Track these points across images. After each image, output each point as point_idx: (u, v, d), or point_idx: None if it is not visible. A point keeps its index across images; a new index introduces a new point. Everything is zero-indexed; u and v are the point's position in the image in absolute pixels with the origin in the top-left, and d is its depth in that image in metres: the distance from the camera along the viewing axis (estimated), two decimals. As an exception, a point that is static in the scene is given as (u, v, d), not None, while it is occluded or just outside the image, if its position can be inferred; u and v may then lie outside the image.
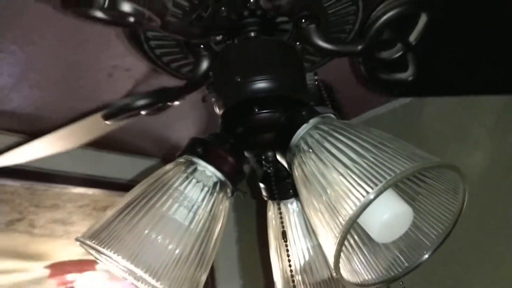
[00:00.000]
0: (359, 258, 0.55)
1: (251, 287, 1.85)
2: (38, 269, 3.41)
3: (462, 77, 0.72)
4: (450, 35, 0.67)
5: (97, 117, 0.77)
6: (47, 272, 3.41)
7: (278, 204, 0.68)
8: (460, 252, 1.23)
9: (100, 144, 1.71)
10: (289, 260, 0.66)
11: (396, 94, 0.82)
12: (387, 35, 0.67)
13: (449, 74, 0.73)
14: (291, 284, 0.65)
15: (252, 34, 0.73)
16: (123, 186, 1.75)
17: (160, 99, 0.74)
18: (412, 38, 0.67)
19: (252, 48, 0.72)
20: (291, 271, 0.66)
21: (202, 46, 0.73)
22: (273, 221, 0.72)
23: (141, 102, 0.74)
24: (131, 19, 0.51)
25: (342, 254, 0.49)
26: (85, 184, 1.80)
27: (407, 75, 0.70)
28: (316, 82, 0.70)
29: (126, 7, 0.50)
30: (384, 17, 0.64)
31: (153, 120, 0.93)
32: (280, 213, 0.67)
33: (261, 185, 0.71)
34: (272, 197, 0.71)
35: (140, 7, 0.51)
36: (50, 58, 1.00)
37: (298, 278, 0.70)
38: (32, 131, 1.38)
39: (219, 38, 0.74)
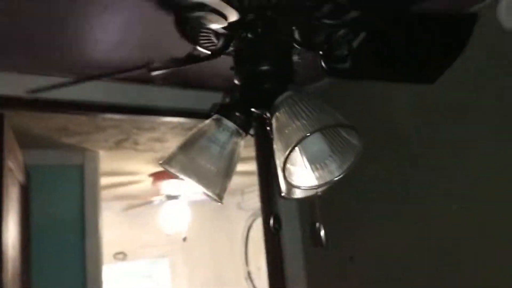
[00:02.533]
0: (297, 170, 1.00)
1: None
2: (143, 179, 4.16)
3: (379, 70, 1.13)
4: (376, 46, 1.07)
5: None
6: (150, 179, 4.15)
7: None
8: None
9: (182, 83, 2.22)
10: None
11: (339, 76, 1.23)
12: (341, 42, 1.08)
13: (371, 68, 1.14)
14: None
15: (260, 30, 1.14)
16: (199, 115, 2.26)
17: (194, 61, 1.20)
18: (355, 44, 1.07)
19: (263, 44, 1.13)
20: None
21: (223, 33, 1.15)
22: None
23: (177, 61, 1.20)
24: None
25: (287, 164, 0.94)
26: (173, 114, 2.33)
27: (347, 65, 1.11)
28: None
29: None
30: (340, 32, 1.05)
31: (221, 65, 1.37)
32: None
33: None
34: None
35: None
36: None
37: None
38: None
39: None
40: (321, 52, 1.12)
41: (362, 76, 1.32)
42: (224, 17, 0.98)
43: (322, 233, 1.31)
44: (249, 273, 5.94)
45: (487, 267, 1.60)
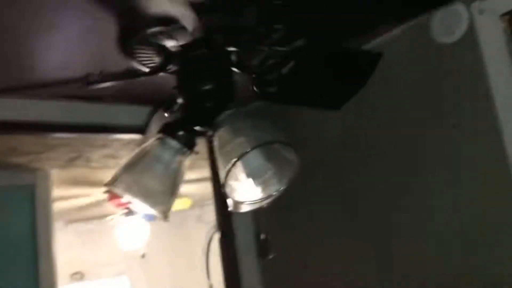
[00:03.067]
0: (239, 185, 1.04)
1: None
2: (98, 194, 4.10)
3: (296, 95, 1.24)
4: (302, 73, 1.16)
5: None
6: (105, 196, 4.09)
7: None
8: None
9: (132, 99, 2.23)
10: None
11: (266, 99, 1.31)
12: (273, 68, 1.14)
13: (292, 92, 1.24)
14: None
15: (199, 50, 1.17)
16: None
17: (132, 76, 1.23)
18: (284, 71, 1.13)
19: (204, 63, 1.16)
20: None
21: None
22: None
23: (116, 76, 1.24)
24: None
25: (229, 179, 0.97)
26: (125, 131, 2.33)
27: (274, 89, 1.18)
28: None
29: None
30: (271, 61, 1.11)
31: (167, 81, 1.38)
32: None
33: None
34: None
35: None
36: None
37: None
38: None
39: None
40: (253, 75, 1.17)
41: (284, 100, 1.41)
42: (184, 35, 1.01)
43: (268, 244, 1.35)
44: (211, 286, 5.91)
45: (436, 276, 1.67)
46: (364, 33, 1.12)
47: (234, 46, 1.13)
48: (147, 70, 1.20)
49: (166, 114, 1.19)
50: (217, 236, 5.76)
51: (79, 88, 1.96)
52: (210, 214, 5.42)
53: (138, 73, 1.22)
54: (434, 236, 1.68)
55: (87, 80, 1.27)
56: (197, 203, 5.59)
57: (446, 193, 1.64)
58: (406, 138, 1.75)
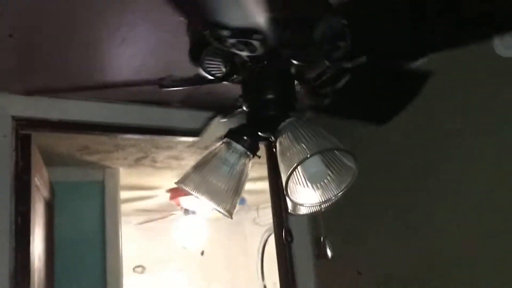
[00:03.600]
0: (299, 189, 1.11)
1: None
2: (161, 194, 4.29)
3: (350, 109, 1.30)
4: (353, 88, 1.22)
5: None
6: (168, 195, 4.28)
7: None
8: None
9: (197, 105, 2.36)
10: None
11: (318, 111, 1.37)
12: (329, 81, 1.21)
13: (345, 106, 1.29)
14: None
15: (265, 62, 1.26)
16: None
17: (200, 82, 1.33)
18: (339, 85, 1.20)
19: (267, 74, 1.25)
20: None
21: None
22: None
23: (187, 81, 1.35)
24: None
25: (290, 183, 1.05)
26: (189, 134, 2.46)
27: (326, 102, 1.24)
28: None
29: None
30: (328, 75, 1.18)
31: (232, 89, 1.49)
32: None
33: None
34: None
35: None
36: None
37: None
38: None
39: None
40: (309, 88, 1.25)
41: (335, 113, 1.47)
42: (251, 49, 1.10)
43: (327, 245, 1.42)
44: (264, 287, 6.00)
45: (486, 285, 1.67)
46: (421, 54, 1.17)
47: (298, 60, 1.21)
48: (213, 78, 1.30)
49: (224, 120, 1.29)
50: (271, 239, 5.86)
51: (149, 93, 2.14)
52: (264, 217, 5.57)
53: (205, 80, 1.32)
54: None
55: (160, 83, 1.39)
56: (253, 207, 5.72)
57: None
58: (466, 152, 1.76)
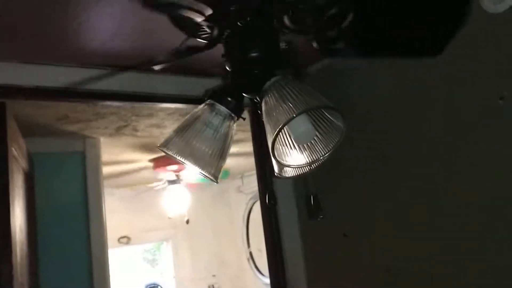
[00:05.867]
0: (286, 150, 1.08)
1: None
2: (143, 162, 4.24)
3: (376, 47, 1.23)
4: (362, 26, 1.15)
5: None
6: (150, 164, 4.23)
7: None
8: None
9: (179, 70, 2.29)
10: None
11: (335, 55, 1.30)
12: (330, 24, 1.15)
13: (368, 45, 1.22)
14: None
15: (248, 19, 1.20)
16: (196, 100, 2.33)
17: (194, 52, 1.27)
18: (344, 25, 1.14)
19: (251, 32, 1.19)
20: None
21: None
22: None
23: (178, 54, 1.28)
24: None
25: (276, 144, 1.01)
26: (171, 101, 2.40)
27: (340, 45, 1.18)
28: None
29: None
30: (327, 14, 1.12)
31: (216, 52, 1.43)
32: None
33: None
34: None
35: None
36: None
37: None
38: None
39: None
40: (312, 36, 1.19)
41: (359, 54, 1.39)
42: (200, 12, 1.04)
43: (319, 203, 1.39)
44: (250, 254, 6.06)
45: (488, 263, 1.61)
46: None
47: (276, 11, 1.15)
48: (204, 42, 1.24)
49: None
50: (256, 206, 5.90)
51: (127, 58, 2.07)
52: (250, 185, 5.57)
53: (199, 48, 1.26)
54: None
55: (153, 62, 1.33)
56: (237, 175, 5.71)
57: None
58: (452, 110, 1.72)
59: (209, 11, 1.04)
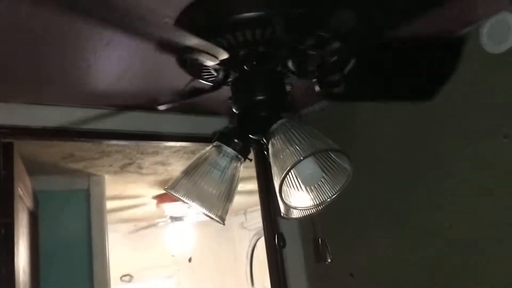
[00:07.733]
0: (293, 192, 1.08)
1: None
2: (147, 197, 4.23)
3: (375, 92, 1.27)
4: (363, 73, 1.18)
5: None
6: (154, 201, 4.22)
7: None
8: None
9: (184, 109, 2.32)
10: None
11: (335, 99, 1.32)
12: (332, 69, 1.17)
13: (367, 90, 1.25)
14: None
15: (255, 63, 1.23)
16: (200, 139, 2.35)
17: (195, 94, 1.30)
18: (346, 71, 1.16)
19: (258, 75, 1.22)
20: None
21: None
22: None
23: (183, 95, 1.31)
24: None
25: (283, 186, 1.02)
26: (176, 139, 2.42)
27: (341, 89, 1.20)
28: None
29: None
30: (331, 60, 1.15)
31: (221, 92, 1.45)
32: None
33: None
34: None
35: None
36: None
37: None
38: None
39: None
40: (315, 79, 1.21)
41: (358, 98, 1.41)
42: (215, 56, 1.07)
43: (327, 248, 1.38)
44: (254, 292, 5.96)
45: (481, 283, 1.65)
46: (414, 15, 1.10)
47: (280, 56, 1.18)
48: (209, 84, 1.26)
49: None
50: (260, 243, 5.84)
51: (133, 98, 2.09)
52: (253, 221, 5.53)
53: (202, 90, 1.29)
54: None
55: (158, 102, 1.36)
56: (241, 211, 5.68)
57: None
58: (457, 148, 1.73)
59: (224, 56, 1.06)
